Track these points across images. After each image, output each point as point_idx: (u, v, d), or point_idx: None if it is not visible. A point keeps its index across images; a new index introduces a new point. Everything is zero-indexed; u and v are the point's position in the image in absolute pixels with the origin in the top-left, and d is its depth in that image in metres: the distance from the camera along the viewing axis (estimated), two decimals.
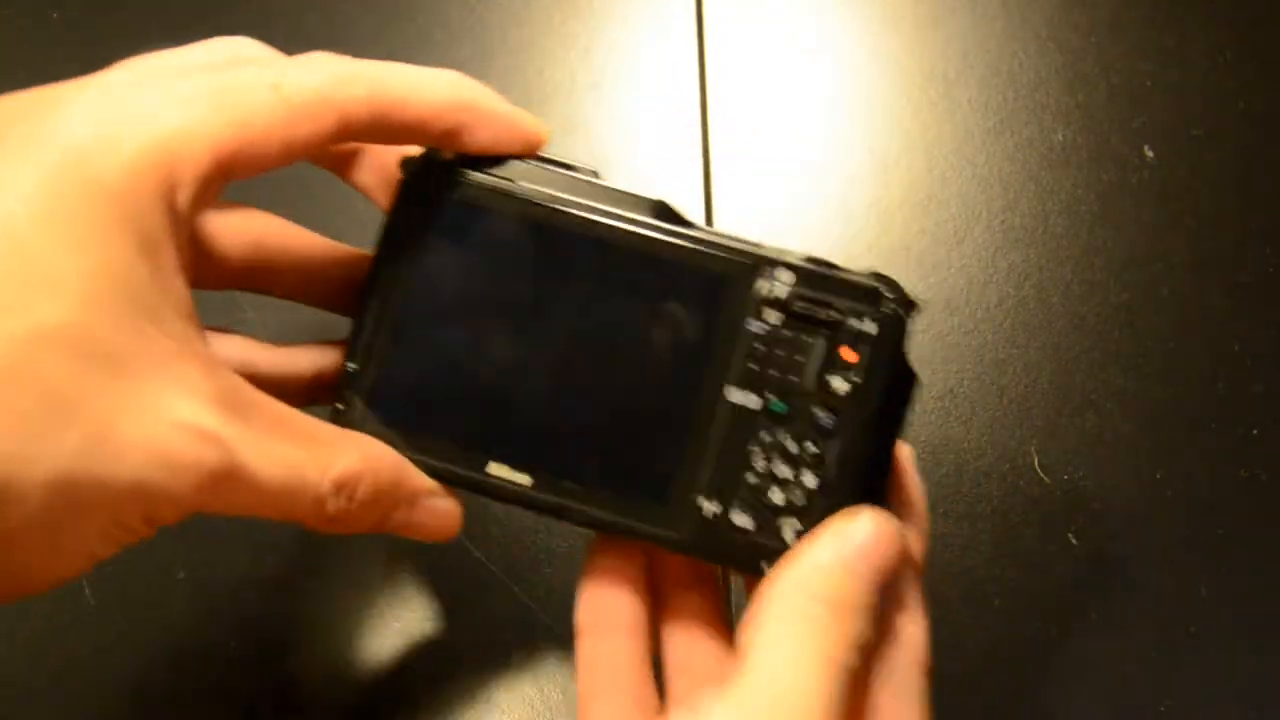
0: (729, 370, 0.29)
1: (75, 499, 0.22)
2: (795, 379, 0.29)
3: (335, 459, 0.27)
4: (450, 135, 0.29)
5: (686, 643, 0.31)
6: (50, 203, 0.23)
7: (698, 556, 0.30)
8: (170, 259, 0.24)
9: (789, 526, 0.29)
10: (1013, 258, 0.42)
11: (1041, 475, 0.39)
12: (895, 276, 0.30)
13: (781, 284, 0.29)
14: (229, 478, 0.24)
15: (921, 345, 0.41)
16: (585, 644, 0.30)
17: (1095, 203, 0.43)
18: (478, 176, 0.30)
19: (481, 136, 0.29)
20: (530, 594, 0.37)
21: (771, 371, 0.29)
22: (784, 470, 0.29)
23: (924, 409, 0.40)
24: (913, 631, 0.29)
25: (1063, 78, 0.45)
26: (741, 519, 0.29)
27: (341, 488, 0.27)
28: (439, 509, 0.30)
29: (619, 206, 0.29)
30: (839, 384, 0.28)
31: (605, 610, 0.30)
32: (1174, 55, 0.45)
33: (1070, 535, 0.38)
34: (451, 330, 0.30)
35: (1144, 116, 0.44)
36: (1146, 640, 0.36)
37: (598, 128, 0.45)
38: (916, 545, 0.30)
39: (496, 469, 0.30)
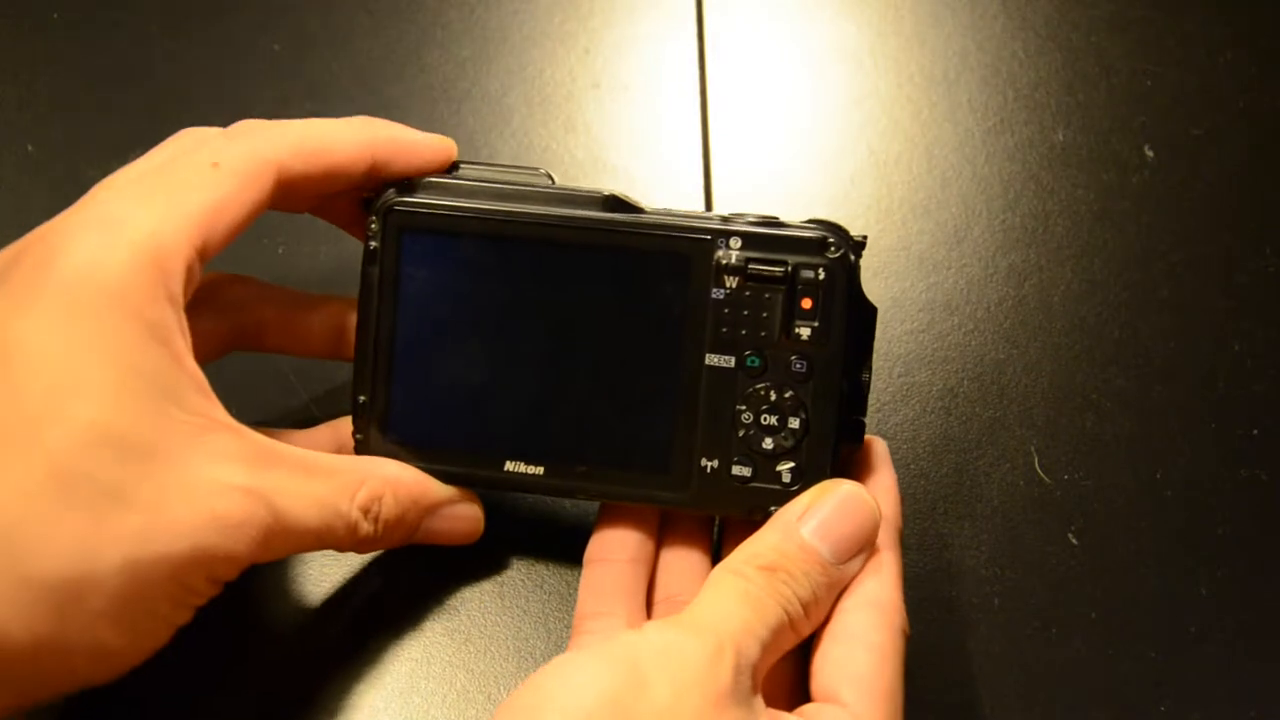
0: (703, 338, 0.31)
1: (144, 577, 0.25)
2: (764, 334, 0.31)
3: (359, 486, 0.30)
4: (373, 171, 0.32)
5: (676, 576, 0.34)
6: (67, 316, 0.25)
7: (705, 511, 0.33)
8: (179, 342, 0.27)
9: (784, 468, 0.32)
10: (1013, 258, 0.42)
11: (1041, 475, 0.39)
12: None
13: (734, 251, 0.31)
14: (276, 526, 0.27)
15: (922, 345, 0.41)
16: (591, 571, 0.33)
17: (1095, 203, 0.43)
18: (437, 201, 0.32)
19: (399, 166, 0.32)
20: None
21: (742, 332, 0.31)
22: (770, 418, 0.31)
23: (924, 409, 0.40)
24: (874, 587, 0.30)
25: (1063, 78, 0.45)
26: (740, 470, 0.32)
27: (368, 511, 0.30)
28: (461, 514, 0.34)
29: (573, 206, 0.31)
30: (803, 330, 0.31)
31: (613, 544, 0.33)
32: (1174, 55, 0.45)
33: (1070, 535, 0.38)
34: (445, 348, 0.33)
35: (1144, 116, 0.44)
36: (1146, 640, 0.36)
37: (598, 128, 0.45)
38: (888, 503, 0.32)
39: (512, 466, 0.32)
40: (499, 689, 0.36)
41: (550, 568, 0.37)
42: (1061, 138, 0.44)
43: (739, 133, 0.45)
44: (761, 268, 0.31)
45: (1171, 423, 0.40)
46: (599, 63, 0.46)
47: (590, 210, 0.31)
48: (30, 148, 0.44)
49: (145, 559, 0.25)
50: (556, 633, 0.36)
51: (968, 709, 0.36)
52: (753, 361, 0.31)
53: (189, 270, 0.28)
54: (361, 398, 0.33)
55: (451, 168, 0.33)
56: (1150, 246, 0.42)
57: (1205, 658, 0.36)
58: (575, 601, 0.34)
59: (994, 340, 0.41)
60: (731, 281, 0.31)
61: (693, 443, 0.32)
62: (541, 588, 0.37)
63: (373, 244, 0.32)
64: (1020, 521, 0.38)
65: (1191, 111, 0.44)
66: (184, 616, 0.28)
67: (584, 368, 0.32)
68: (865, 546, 0.30)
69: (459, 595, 0.37)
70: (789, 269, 0.31)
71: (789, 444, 0.31)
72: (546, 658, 0.36)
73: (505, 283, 0.32)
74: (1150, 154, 0.44)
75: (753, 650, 0.27)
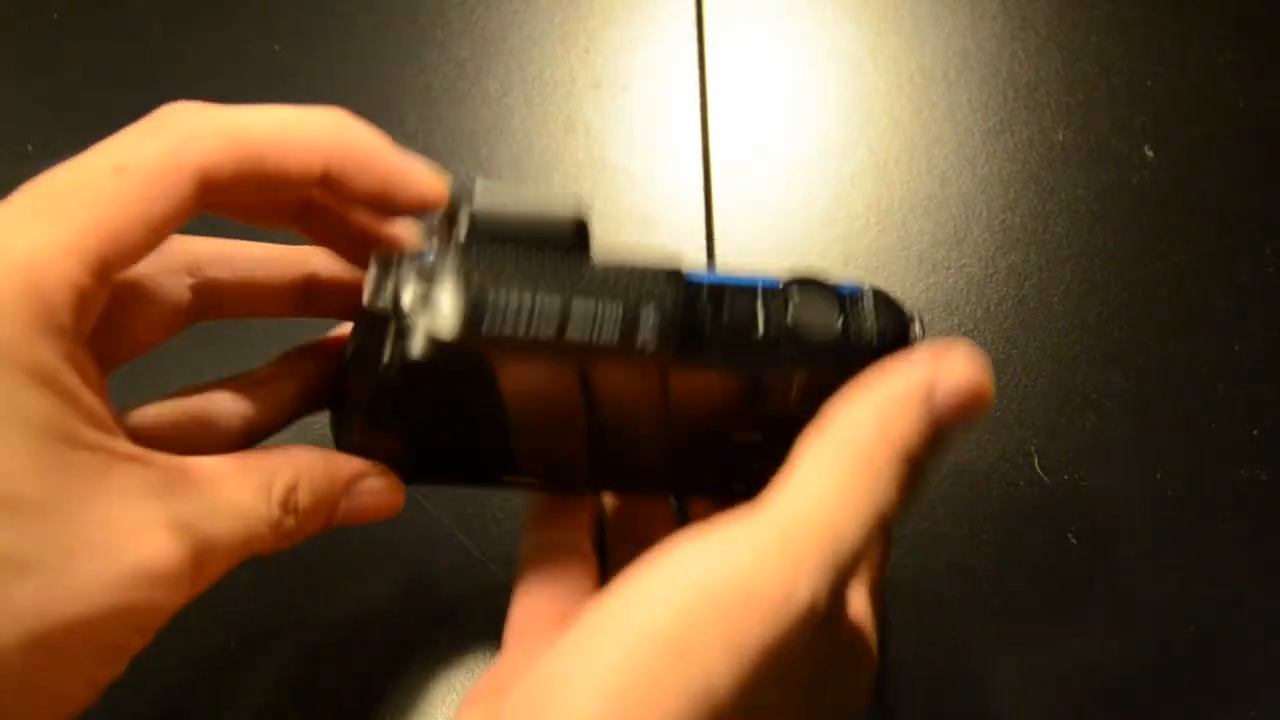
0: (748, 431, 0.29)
1: (54, 647, 0.22)
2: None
3: (272, 481, 0.27)
4: (329, 183, 0.27)
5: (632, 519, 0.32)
6: None
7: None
8: (68, 378, 0.23)
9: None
10: (1013, 258, 0.42)
11: (1041, 475, 0.39)
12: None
13: (795, 385, 0.28)
14: (204, 554, 0.24)
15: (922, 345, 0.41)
16: (528, 537, 0.32)
17: (1095, 203, 0.43)
18: (475, 354, 0.26)
19: (360, 185, 0.27)
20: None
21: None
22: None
23: None
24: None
25: (1063, 78, 0.45)
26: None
27: (286, 504, 0.27)
28: (376, 488, 0.30)
29: (628, 356, 0.26)
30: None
31: (550, 505, 0.32)
32: (1174, 55, 0.45)
33: (1070, 535, 0.38)
34: (434, 423, 0.29)
35: (1144, 116, 0.44)
36: (1146, 640, 0.36)
37: (598, 128, 0.45)
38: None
39: (509, 478, 0.31)
40: None
41: None
42: (1061, 138, 0.44)
43: (739, 133, 0.45)
44: (817, 395, 0.28)
45: (1171, 423, 0.40)
46: (599, 63, 0.46)
47: (646, 359, 0.27)
48: (30, 148, 0.44)
49: (53, 629, 0.22)
50: None
51: (967, 709, 0.36)
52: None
53: (79, 294, 0.24)
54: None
55: (455, 201, 0.28)
56: (1150, 246, 0.42)
57: (1205, 658, 0.36)
58: None
59: (994, 340, 0.41)
60: (786, 405, 0.28)
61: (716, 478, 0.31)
62: None
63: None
64: (1020, 521, 0.38)
65: (1191, 111, 0.44)
66: (111, 674, 0.24)
67: (611, 447, 0.30)
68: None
69: (459, 595, 0.37)
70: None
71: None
72: None
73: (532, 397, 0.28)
74: (1150, 154, 0.44)
75: (839, 586, 0.23)
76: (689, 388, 0.28)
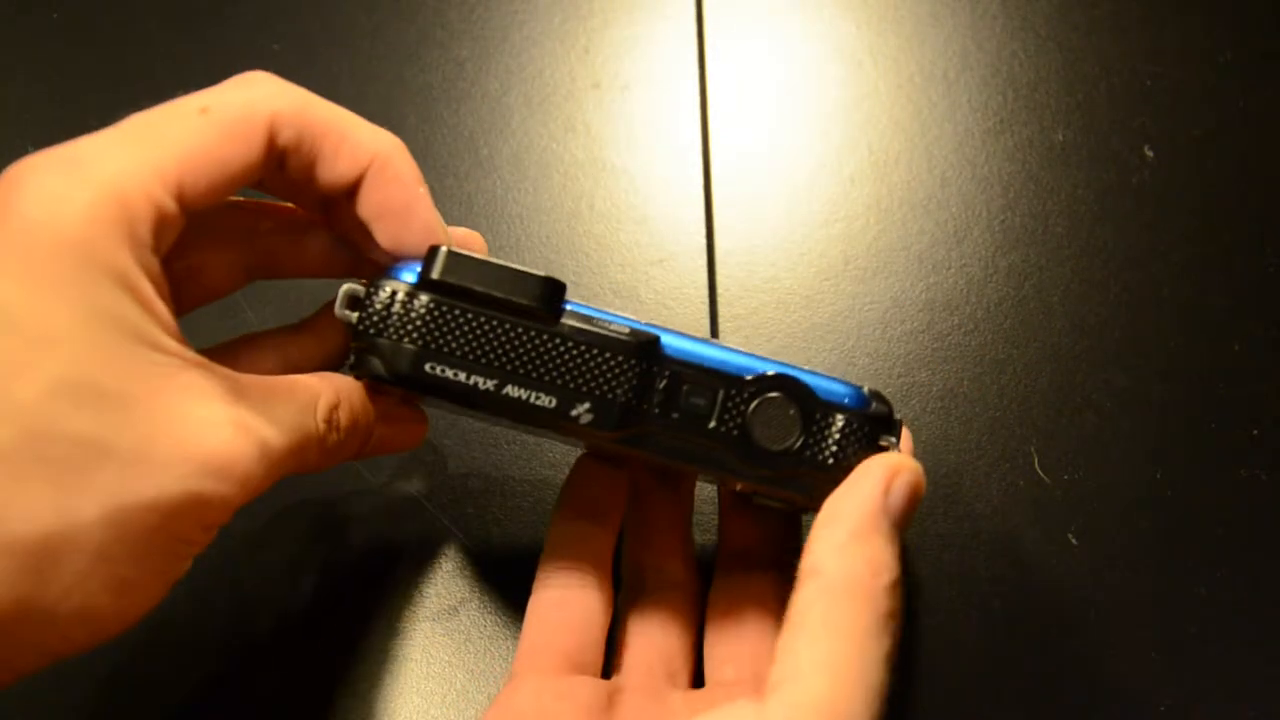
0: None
1: (130, 529, 0.24)
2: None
3: (318, 398, 0.29)
4: (357, 193, 0.30)
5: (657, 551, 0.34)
6: (27, 269, 0.24)
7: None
8: (146, 287, 0.26)
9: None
10: (1013, 258, 0.42)
11: (1041, 475, 0.39)
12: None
13: (756, 481, 0.29)
14: (262, 456, 0.26)
15: (922, 345, 0.41)
16: (545, 562, 0.33)
17: (1095, 203, 0.43)
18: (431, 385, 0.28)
19: (380, 201, 0.29)
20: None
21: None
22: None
23: (924, 409, 0.40)
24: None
25: (1063, 78, 0.45)
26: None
27: (330, 420, 0.29)
28: (405, 416, 0.32)
29: (570, 424, 0.28)
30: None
31: (572, 532, 0.33)
32: (1174, 55, 0.45)
33: (1070, 535, 0.38)
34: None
35: (1144, 116, 0.44)
36: (1146, 640, 0.36)
37: (598, 128, 0.45)
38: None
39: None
40: (499, 689, 0.36)
41: None
42: (1061, 138, 0.44)
43: (739, 133, 0.45)
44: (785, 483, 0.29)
45: (1171, 423, 0.40)
46: (599, 62, 0.46)
47: (592, 426, 0.28)
48: (30, 148, 0.44)
49: (129, 509, 0.24)
50: None
51: (967, 709, 0.36)
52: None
53: (159, 214, 0.26)
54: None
55: (430, 257, 0.28)
56: (1150, 246, 0.42)
57: (1205, 658, 0.36)
58: None
59: (994, 340, 0.41)
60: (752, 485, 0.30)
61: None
62: None
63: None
64: (1020, 521, 0.38)
65: (1191, 111, 0.44)
66: (177, 569, 0.26)
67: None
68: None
69: (459, 595, 0.37)
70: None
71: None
72: None
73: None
74: (1150, 154, 0.44)
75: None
76: (634, 456, 0.29)
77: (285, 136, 0.28)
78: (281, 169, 0.29)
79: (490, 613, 0.37)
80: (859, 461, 0.28)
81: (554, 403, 0.28)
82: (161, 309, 0.26)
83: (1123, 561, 0.38)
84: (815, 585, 0.26)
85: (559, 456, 0.39)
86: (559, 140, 0.44)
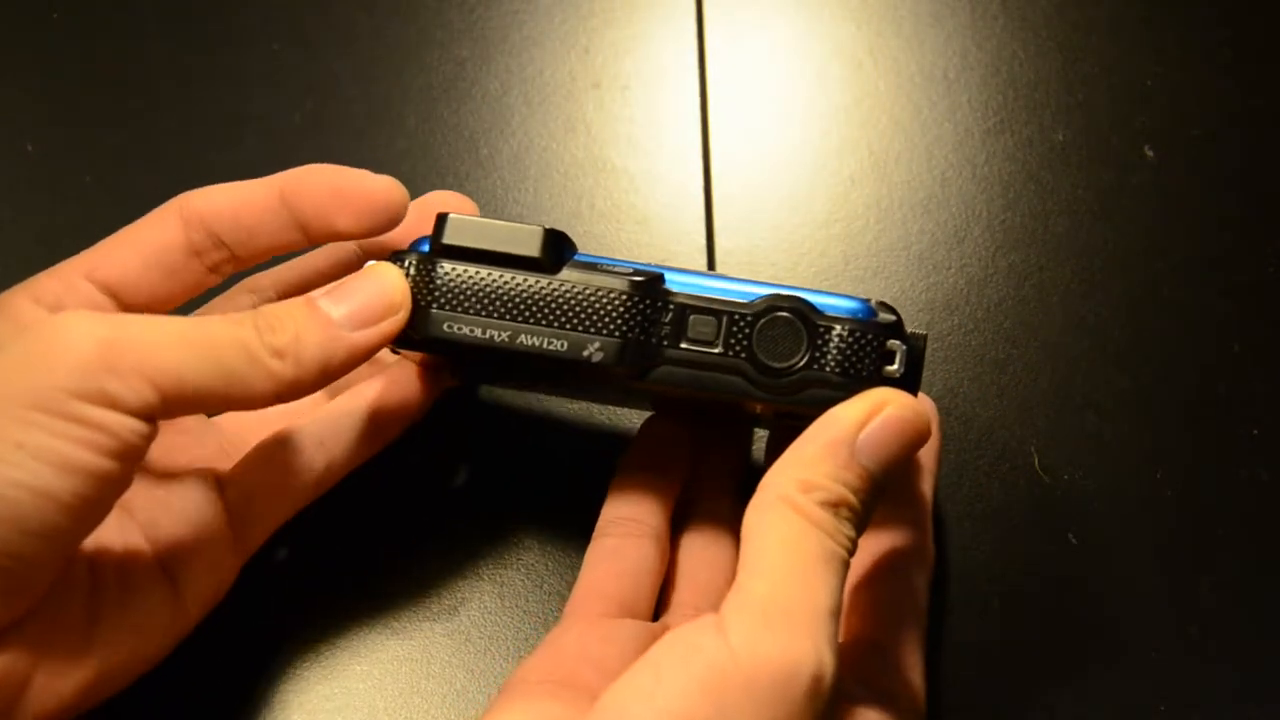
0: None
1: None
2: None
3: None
4: (301, 224, 0.32)
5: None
6: None
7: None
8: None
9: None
10: (1013, 258, 0.42)
11: (1041, 475, 0.39)
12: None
13: (765, 409, 0.30)
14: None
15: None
16: (607, 510, 0.34)
17: (1095, 203, 0.43)
18: (445, 343, 0.30)
19: (315, 201, 0.31)
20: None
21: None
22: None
23: None
24: (910, 531, 0.30)
25: (1063, 78, 0.45)
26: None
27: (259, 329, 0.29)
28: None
29: (583, 367, 0.29)
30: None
31: (634, 481, 0.34)
32: (1174, 55, 0.45)
33: (1070, 535, 0.38)
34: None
35: (1144, 116, 0.44)
36: (1146, 640, 0.36)
37: (598, 128, 0.45)
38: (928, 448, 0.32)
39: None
40: (499, 689, 0.36)
41: (550, 568, 0.37)
42: (1061, 138, 0.44)
43: (739, 133, 0.45)
44: (798, 415, 0.30)
45: (1171, 423, 0.40)
46: (599, 62, 0.46)
47: (604, 369, 0.29)
48: (30, 148, 0.44)
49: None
50: None
51: (967, 709, 0.36)
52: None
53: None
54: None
55: (438, 225, 0.30)
56: (1150, 246, 0.42)
57: (1205, 658, 0.36)
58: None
59: (994, 340, 0.41)
60: (763, 414, 0.31)
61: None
62: (541, 588, 0.37)
63: None
64: (1020, 521, 0.38)
65: (1191, 111, 0.44)
66: (79, 454, 0.25)
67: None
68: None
69: (459, 595, 0.37)
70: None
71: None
72: None
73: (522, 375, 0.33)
74: (1150, 154, 0.44)
75: (835, 635, 0.25)
76: (658, 392, 0.30)
77: (198, 210, 0.32)
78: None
79: (490, 613, 0.37)
80: (869, 373, 0.29)
81: (565, 346, 0.29)
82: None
83: (1123, 561, 0.38)
84: (759, 495, 0.27)
85: (559, 457, 0.39)
86: (559, 140, 0.44)
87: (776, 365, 0.29)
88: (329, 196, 0.31)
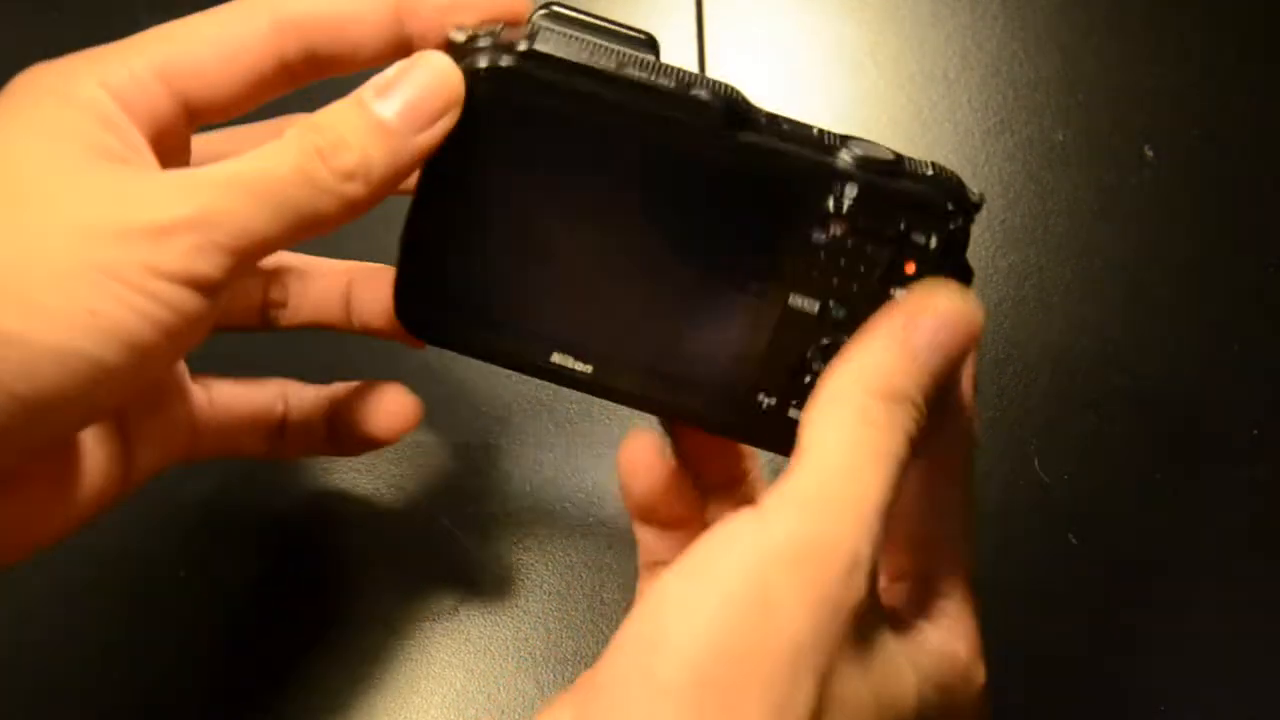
0: (792, 276, 0.29)
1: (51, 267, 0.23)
2: (856, 288, 0.29)
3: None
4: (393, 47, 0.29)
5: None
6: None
7: (749, 443, 0.32)
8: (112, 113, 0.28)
9: None
10: (1013, 258, 0.42)
11: (1041, 475, 0.39)
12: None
13: (848, 199, 0.29)
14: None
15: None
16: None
17: (1095, 203, 0.43)
18: (543, 75, 0.28)
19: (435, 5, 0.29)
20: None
21: (833, 281, 0.29)
22: None
23: None
24: (961, 417, 0.29)
25: (1063, 78, 0.45)
26: (796, 414, 0.30)
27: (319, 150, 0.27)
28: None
29: (686, 111, 0.28)
30: (898, 294, 0.29)
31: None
32: (1174, 55, 0.45)
33: (1070, 535, 0.38)
34: (511, 228, 0.30)
35: (1144, 116, 0.44)
36: (1146, 640, 0.36)
37: None
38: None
39: (559, 359, 0.30)
40: (499, 689, 0.36)
41: (550, 568, 0.37)
42: (1061, 138, 0.44)
43: None
44: (872, 224, 0.29)
45: (1171, 422, 0.40)
46: None
47: (705, 118, 0.29)
48: None
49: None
50: (556, 633, 0.36)
51: None
52: (837, 313, 0.30)
53: (137, 83, 0.29)
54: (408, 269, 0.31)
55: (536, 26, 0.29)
56: (1150, 246, 0.42)
57: (1205, 657, 0.36)
58: (575, 603, 0.33)
59: (994, 340, 0.41)
60: (837, 229, 0.29)
61: (756, 376, 0.30)
62: (541, 588, 0.37)
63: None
64: (1020, 521, 0.38)
65: (1191, 111, 0.44)
66: (126, 318, 0.24)
67: (656, 275, 0.30)
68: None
69: (459, 595, 0.37)
70: (900, 229, 0.29)
71: None
72: (546, 658, 0.36)
73: (592, 171, 0.29)
74: (1150, 154, 0.44)
75: (880, 533, 0.25)
76: (747, 165, 0.29)
77: (291, 22, 0.29)
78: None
79: (490, 613, 0.37)
80: (951, 191, 0.29)
81: (673, 84, 0.28)
82: (128, 134, 0.27)
83: (1123, 562, 0.38)
84: (818, 394, 0.27)
85: (559, 457, 0.39)
86: None
87: (872, 153, 0.29)
88: (451, 11, 0.29)
